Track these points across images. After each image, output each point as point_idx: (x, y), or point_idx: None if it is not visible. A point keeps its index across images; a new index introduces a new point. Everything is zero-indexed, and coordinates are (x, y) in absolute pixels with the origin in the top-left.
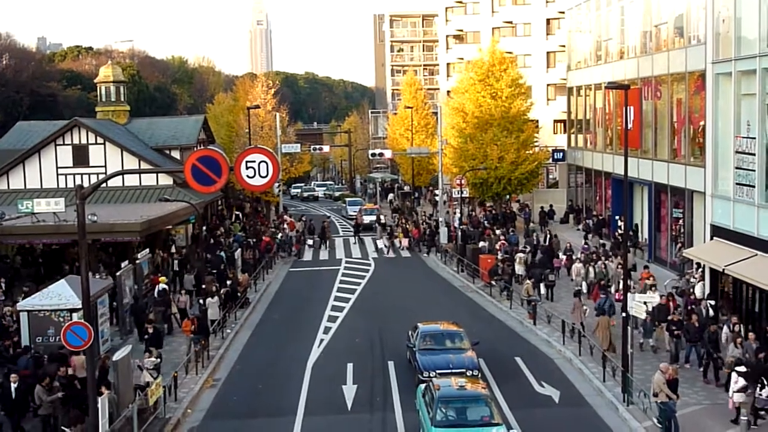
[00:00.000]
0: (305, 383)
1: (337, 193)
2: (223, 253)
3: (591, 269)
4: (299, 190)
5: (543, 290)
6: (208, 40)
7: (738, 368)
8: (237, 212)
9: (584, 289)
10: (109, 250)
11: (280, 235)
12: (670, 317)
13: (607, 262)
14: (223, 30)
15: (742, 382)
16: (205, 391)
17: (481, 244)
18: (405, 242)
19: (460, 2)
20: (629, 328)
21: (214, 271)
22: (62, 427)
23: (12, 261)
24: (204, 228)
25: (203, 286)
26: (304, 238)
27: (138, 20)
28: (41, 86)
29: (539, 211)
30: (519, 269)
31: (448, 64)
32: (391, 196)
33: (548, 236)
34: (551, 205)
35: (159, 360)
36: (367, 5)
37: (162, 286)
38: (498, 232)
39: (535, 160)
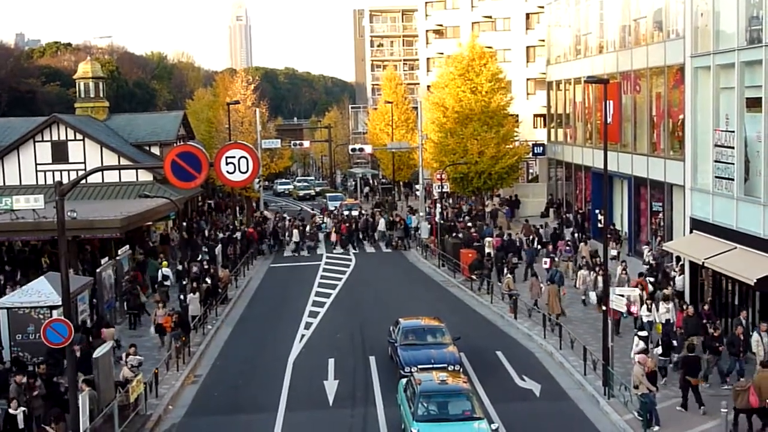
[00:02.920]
0: (286, 379)
1: (317, 189)
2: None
3: (599, 279)
4: (290, 187)
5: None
6: (187, 36)
7: (640, 333)
8: (209, 201)
9: (593, 299)
10: (87, 247)
11: (308, 227)
12: (711, 332)
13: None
14: (202, 25)
15: (642, 345)
16: (186, 388)
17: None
18: (334, 237)
19: None
20: (609, 320)
21: (206, 258)
22: (43, 425)
23: None
24: (185, 224)
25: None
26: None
27: (117, 16)
28: (20, 83)
29: (506, 201)
30: (489, 249)
31: (428, 58)
32: (366, 189)
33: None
34: (516, 195)
35: (142, 357)
36: (347, 0)
37: (166, 270)
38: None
39: (515, 154)
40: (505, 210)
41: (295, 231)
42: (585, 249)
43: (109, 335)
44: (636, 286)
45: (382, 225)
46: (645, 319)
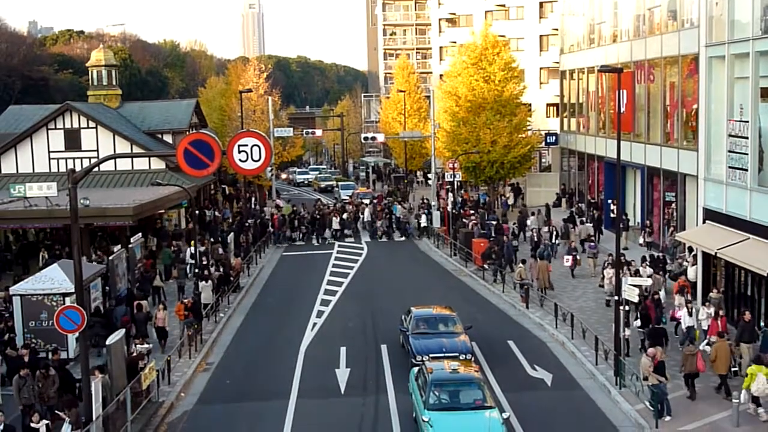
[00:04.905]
0: (298, 367)
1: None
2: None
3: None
4: (309, 177)
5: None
6: (199, 24)
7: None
8: (223, 186)
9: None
10: (99, 234)
11: (345, 215)
12: None
13: (640, 268)
14: (214, 14)
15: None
16: (199, 375)
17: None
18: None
19: None
20: (621, 311)
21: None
22: (56, 412)
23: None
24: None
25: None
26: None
27: (129, 4)
28: (33, 70)
29: (511, 187)
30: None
31: (440, 47)
32: (373, 177)
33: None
34: (517, 183)
35: (150, 345)
36: None
37: (191, 250)
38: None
39: (527, 143)
40: (501, 203)
41: (335, 219)
42: (574, 233)
43: (146, 306)
44: (678, 291)
45: (366, 215)
46: (685, 325)
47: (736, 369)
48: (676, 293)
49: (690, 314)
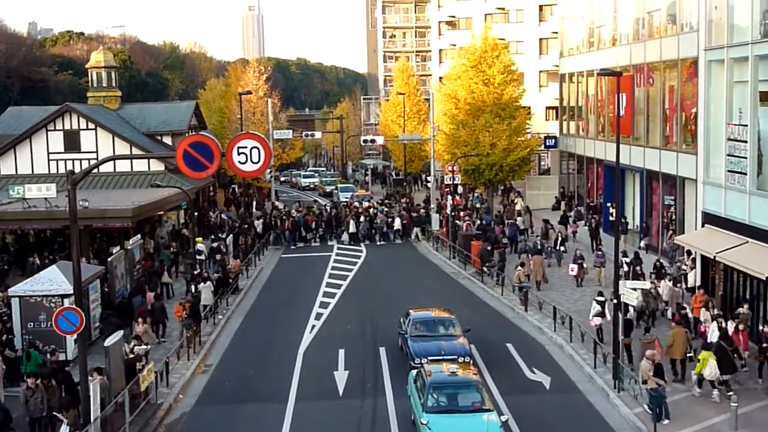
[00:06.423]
0: (297, 369)
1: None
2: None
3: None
4: (315, 181)
5: (495, 255)
6: (199, 26)
7: (597, 298)
8: (233, 186)
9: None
10: (98, 236)
11: (362, 218)
12: None
13: (658, 281)
14: (214, 15)
15: (598, 308)
16: (197, 377)
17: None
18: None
19: None
20: (620, 314)
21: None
22: (54, 413)
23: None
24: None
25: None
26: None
27: (129, 5)
28: (32, 72)
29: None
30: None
31: (440, 50)
32: (367, 178)
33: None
34: (511, 185)
35: (149, 346)
36: None
37: (200, 246)
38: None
39: (527, 146)
40: (485, 206)
41: (352, 222)
42: (552, 233)
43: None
44: (702, 307)
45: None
46: (713, 339)
47: (691, 355)
48: (701, 308)
49: (720, 328)
